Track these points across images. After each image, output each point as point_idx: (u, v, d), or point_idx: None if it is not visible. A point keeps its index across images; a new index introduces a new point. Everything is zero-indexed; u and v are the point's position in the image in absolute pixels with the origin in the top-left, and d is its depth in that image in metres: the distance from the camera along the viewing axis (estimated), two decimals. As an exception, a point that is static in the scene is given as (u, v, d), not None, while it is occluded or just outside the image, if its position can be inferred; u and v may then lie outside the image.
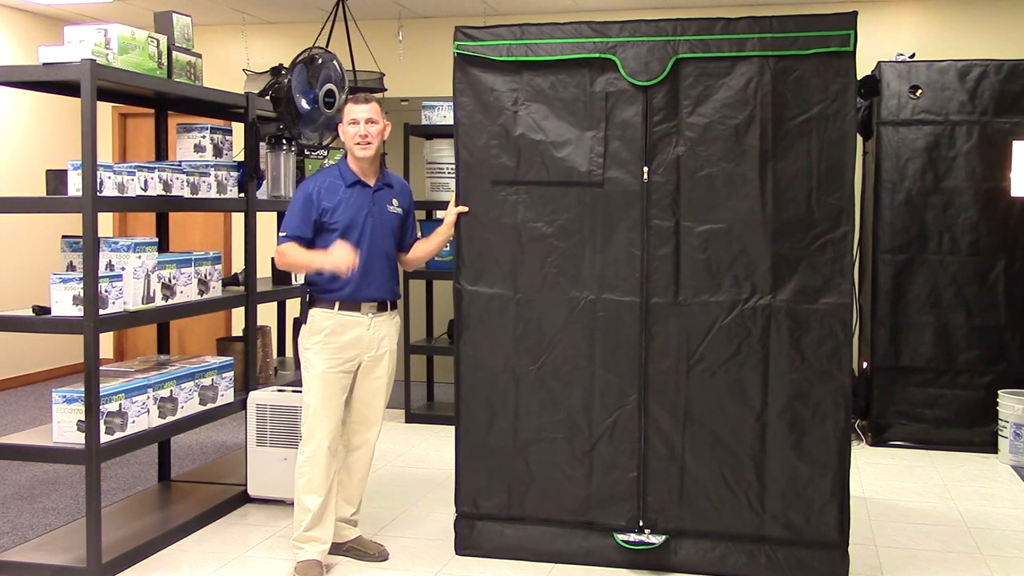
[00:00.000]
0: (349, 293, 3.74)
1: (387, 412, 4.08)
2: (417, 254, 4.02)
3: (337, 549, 3.91)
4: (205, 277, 4.32)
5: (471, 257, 3.90)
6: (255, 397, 4.57)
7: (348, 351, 3.77)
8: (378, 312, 3.80)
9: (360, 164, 3.81)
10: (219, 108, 4.73)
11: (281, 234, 3.79)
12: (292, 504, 4.52)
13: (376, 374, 3.85)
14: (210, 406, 4.33)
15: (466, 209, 3.90)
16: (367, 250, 3.75)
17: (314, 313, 3.79)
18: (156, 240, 4.11)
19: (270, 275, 5.11)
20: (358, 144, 3.76)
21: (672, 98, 3.69)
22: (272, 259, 5.04)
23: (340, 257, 3.62)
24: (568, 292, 3.82)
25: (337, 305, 3.75)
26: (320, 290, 3.77)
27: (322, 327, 3.76)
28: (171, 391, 4.07)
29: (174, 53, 4.20)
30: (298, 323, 4.62)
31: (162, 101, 4.59)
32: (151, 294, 3.95)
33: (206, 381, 4.30)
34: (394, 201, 3.88)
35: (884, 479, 5.17)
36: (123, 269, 3.82)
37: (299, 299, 3.94)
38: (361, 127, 3.76)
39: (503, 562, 3.91)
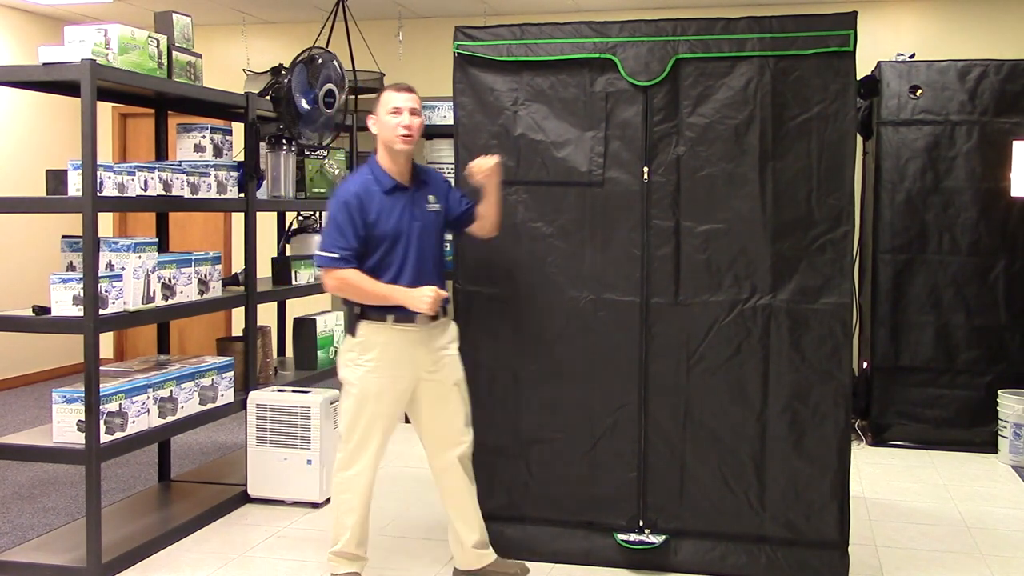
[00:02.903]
0: (404, 308, 3.41)
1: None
2: (485, 220, 3.63)
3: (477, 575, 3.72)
4: (205, 277, 4.31)
5: (471, 257, 3.90)
6: (255, 397, 4.57)
7: (403, 368, 3.46)
8: (431, 321, 3.48)
9: (396, 162, 3.44)
10: (219, 108, 4.73)
11: (328, 255, 3.35)
12: (292, 505, 4.56)
13: (442, 388, 3.55)
14: (210, 406, 4.33)
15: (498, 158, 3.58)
16: (416, 259, 3.43)
17: (364, 327, 3.43)
18: (156, 240, 4.11)
19: (270, 275, 5.11)
20: (401, 136, 3.37)
21: (672, 98, 3.69)
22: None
23: (423, 299, 3.34)
24: (568, 292, 3.81)
25: (391, 318, 3.41)
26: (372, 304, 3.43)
27: (375, 343, 3.42)
28: (171, 391, 4.07)
29: (174, 53, 4.20)
30: (299, 326, 4.60)
31: (162, 101, 4.59)
32: (151, 294, 3.95)
33: (206, 381, 4.30)
34: (430, 198, 3.52)
35: (884, 479, 5.17)
36: (123, 269, 3.82)
37: (347, 311, 3.59)
38: (405, 117, 3.38)
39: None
